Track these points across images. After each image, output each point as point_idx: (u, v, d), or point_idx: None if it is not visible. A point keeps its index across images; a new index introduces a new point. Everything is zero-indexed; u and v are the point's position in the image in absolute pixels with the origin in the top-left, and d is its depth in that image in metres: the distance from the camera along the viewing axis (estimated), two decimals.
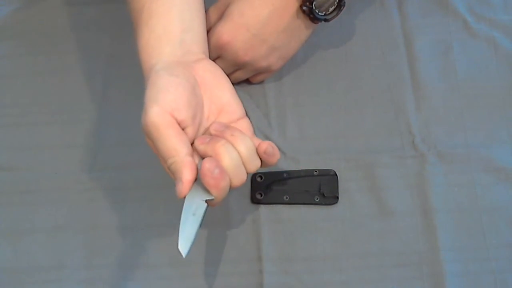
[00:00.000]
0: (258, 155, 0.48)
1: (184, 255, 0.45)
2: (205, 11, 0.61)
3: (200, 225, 0.46)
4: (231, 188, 0.47)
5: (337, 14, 0.58)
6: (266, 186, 0.60)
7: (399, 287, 0.56)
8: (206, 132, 0.50)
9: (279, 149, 0.61)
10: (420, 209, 0.59)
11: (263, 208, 0.59)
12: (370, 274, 0.57)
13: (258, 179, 0.60)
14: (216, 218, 0.59)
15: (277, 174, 0.60)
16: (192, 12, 0.52)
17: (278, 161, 0.61)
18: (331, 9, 0.57)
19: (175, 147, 0.46)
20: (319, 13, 0.57)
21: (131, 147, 0.62)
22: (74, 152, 0.62)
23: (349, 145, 0.62)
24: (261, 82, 0.64)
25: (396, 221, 0.59)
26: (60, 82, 0.65)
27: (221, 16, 0.59)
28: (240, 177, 0.47)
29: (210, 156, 0.46)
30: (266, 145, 0.48)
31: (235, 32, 0.57)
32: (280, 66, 0.62)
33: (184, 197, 0.46)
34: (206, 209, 0.46)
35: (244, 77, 0.63)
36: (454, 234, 0.58)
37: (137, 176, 0.60)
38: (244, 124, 0.51)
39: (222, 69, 0.60)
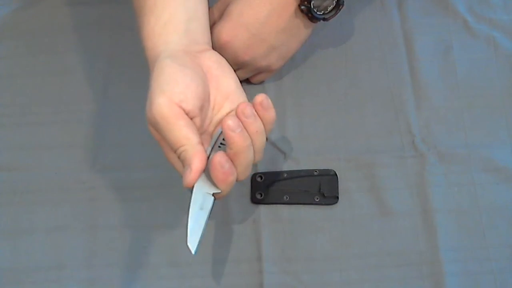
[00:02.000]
0: (255, 110, 0.47)
1: (193, 252, 0.45)
2: None
3: (208, 220, 0.46)
4: (236, 182, 0.48)
5: (335, 14, 0.58)
6: (266, 186, 0.60)
7: (399, 287, 0.56)
8: (217, 121, 0.50)
9: (279, 149, 0.62)
10: (420, 209, 0.59)
11: (263, 208, 0.59)
12: (370, 274, 0.57)
13: (258, 179, 0.60)
14: (216, 218, 0.59)
15: (277, 174, 0.60)
16: (195, 1, 0.52)
17: (278, 161, 0.61)
18: (329, 8, 0.57)
19: (187, 136, 0.46)
20: (318, 13, 0.57)
21: (131, 147, 0.62)
22: (74, 152, 0.62)
23: (349, 145, 0.62)
24: (261, 82, 0.64)
25: (396, 221, 0.59)
26: (60, 82, 0.65)
27: (221, 16, 0.59)
28: (246, 174, 0.48)
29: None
30: (261, 98, 0.48)
31: (235, 31, 0.57)
32: (280, 66, 0.62)
33: (191, 188, 0.46)
34: (213, 203, 0.47)
35: (244, 77, 0.63)
36: (454, 234, 0.58)
37: (137, 176, 0.60)
38: None
39: None
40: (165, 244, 0.58)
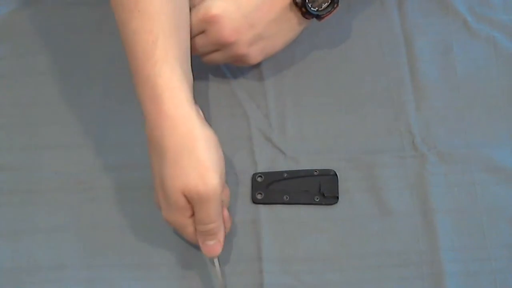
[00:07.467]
0: None
1: None
2: None
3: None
4: None
5: (329, 12, 0.58)
6: (266, 186, 0.60)
7: (399, 287, 0.56)
8: None
9: (279, 149, 0.62)
10: (420, 209, 0.59)
11: (263, 208, 0.59)
12: (370, 274, 0.57)
13: (258, 179, 0.60)
14: None
15: (277, 174, 0.60)
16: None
17: (278, 161, 0.61)
18: (324, 5, 0.57)
19: (219, 212, 0.51)
20: (312, 8, 0.57)
21: (131, 147, 0.62)
22: (74, 152, 0.62)
23: (349, 145, 0.62)
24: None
25: (396, 221, 0.59)
26: (60, 82, 0.65)
27: None
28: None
29: None
30: None
31: (226, 8, 0.55)
32: (258, 61, 0.60)
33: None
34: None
35: (220, 62, 0.61)
36: (454, 234, 0.58)
37: (137, 176, 0.60)
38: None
39: (201, 47, 0.59)
40: (165, 244, 0.58)
